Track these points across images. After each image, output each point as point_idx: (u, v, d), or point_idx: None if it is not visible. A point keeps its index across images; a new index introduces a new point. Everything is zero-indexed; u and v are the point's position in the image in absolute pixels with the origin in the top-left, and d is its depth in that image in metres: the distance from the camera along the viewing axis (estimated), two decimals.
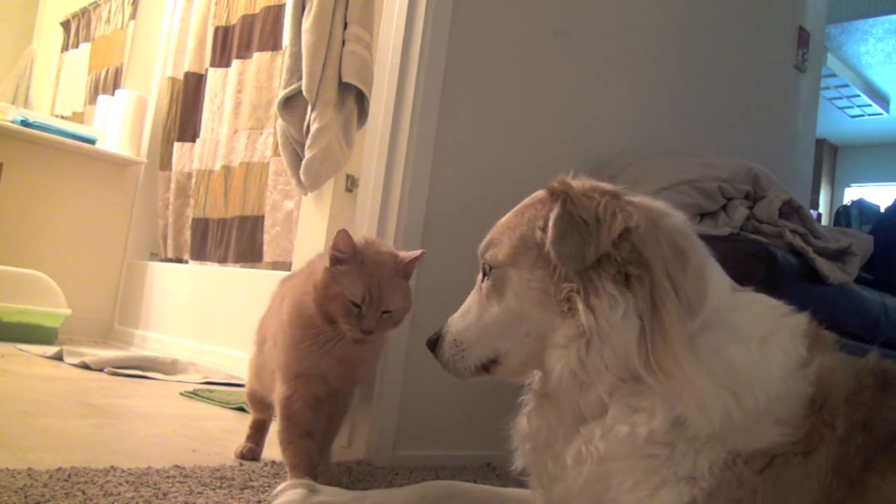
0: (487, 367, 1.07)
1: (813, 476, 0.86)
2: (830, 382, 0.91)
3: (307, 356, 1.35)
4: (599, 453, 0.92)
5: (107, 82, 4.53)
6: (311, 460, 1.34)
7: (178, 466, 1.37)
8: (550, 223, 0.97)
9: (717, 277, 1.00)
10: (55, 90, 5.09)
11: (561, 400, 0.98)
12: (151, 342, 3.73)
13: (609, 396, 0.93)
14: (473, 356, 1.07)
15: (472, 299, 1.11)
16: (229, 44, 3.78)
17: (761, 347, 0.92)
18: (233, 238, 3.54)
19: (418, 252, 1.38)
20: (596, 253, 0.93)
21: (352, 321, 1.28)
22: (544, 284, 0.98)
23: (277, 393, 1.39)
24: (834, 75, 6.81)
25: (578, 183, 1.02)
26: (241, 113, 3.61)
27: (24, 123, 3.80)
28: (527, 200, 1.09)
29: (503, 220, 1.10)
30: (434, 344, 1.12)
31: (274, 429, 1.46)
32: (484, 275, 1.08)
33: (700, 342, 0.92)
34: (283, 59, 3.08)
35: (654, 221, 0.97)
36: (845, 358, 0.98)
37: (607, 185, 1.02)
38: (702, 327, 0.93)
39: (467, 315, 1.09)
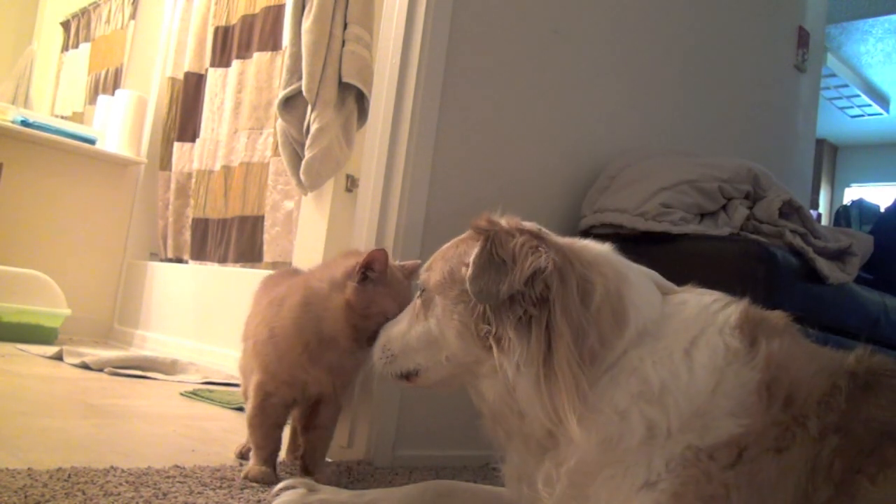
0: (408, 376, 1.16)
1: (789, 476, 0.86)
2: (783, 367, 0.91)
3: (300, 367, 1.35)
4: (566, 479, 0.95)
5: (107, 82, 4.53)
6: (277, 446, 1.41)
7: (178, 466, 1.37)
8: (470, 260, 1.01)
9: (642, 294, 1.01)
10: (55, 90, 5.09)
11: (510, 428, 1.03)
12: (151, 342, 3.73)
13: (546, 430, 0.96)
14: (396, 364, 1.16)
15: (407, 311, 1.19)
16: (229, 44, 3.78)
17: (687, 351, 0.94)
18: (233, 238, 3.54)
19: (417, 262, 1.42)
20: (509, 290, 0.96)
21: None
22: (465, 318, 1.04)
23: (255, 382, 1.40)
24: (834, 75, 6.81)
25: (504, 221, 1.07)
26: (241, 113, 3.61)
27: (24, 123, 3.80)
28: (464, 234, 1.13)
29: (444, 247, 1.16)
30: (373, 339, 1.22)
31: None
32: (421, 294, 1.15)
33: (623, 363, 0.95)
34: (283, 59, 3.08)
35: (569, 259, 1.00)
36: (808, 345, 0.99)
37: (530, 225, 1.07)
38: (629, 346, 0.96)
39: (400, 323, 1.17)
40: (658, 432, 0.90)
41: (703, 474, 0.87)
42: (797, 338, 0.99)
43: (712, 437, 0.88)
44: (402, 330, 1.16)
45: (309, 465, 1.45)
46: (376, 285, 1.33)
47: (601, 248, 1.08)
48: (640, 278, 1.05)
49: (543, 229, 1.08)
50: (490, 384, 1.02)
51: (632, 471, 0.90)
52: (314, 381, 1.38)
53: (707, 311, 1.00)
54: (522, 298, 0.96)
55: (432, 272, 1.12)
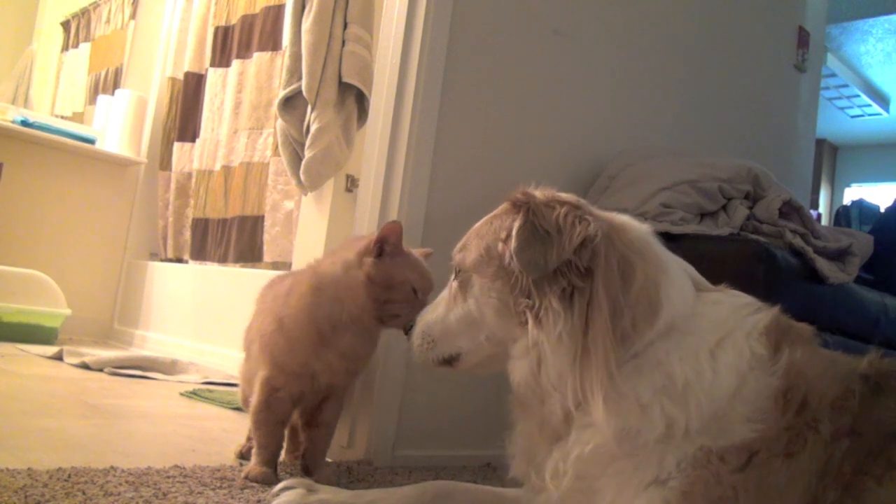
0: (450, 361, 1.14)
1: (798, 480, 0.86)
2: (802, 375, 0.91)
3: (310, 354, 1.36)
4: (572, 471, 0.95)
5: (107, 82, 4.53)
6: (279, 445, 1.42)
7: (178, 466, 1.37)
8: (513, 233, 1.00)
9: (677, 288, 1.00)
10: (55, 90, 5.08)
11: (530, 411, 1.02)
12: (151, 342, 3.73)
13: (566, 413, 0.96)
14: (438, 350, 1.14)
15: (442, 296, 1.17)
16: (229, 44, 3.78)
17: (713, 351, 0.94)
18: (233, 238, 3.54)
19: (429, 250, 1.47)
20: (557, 260, 0.96)
21: (414, 305, 1.32)
22: (503, 295, 1.03)
23: (261, 378, 1.40)
24: (834, 75, 6.81)
25: (540, 193, 1.06)
26: (241, 113, 3.60)
27: (25, 123, 3.80)
28: (497, 210, 1.12)
29: (476, 225, 1.14)
30: (409, 329, 1.20)
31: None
32: (456, 276, 1.13)
33: (649, 354, 0.94)
34: (283, 59, 3.08)
35: (610, 235, 0.99)
36: (827, 354, 0.99)
37: (569, 196, 1.05)
38: (657, 338, 0.95)
39: (436, 309, 1.16)
40: (676, 431, 0.89)
41: (712, 476, 0.87)
42: (817, 347, 0.99)
43: (726, 441, 0.88)
44: (441, 314, 1.14)
45: (310, 464, 1.45)
46: (394, 258, 1.35)
47: (642, 230, 1.06)
48: (678, 272, 1.04)
49: (582, 200, 1.06)
50: (517, 365, 1.01)
51: (643, 467, 0.90)
52: (326, 369, 1.37)
53: (738, 314, 0.99)
54: (568, 269, 0.95)
55: (467, 252, 1.10)
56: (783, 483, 0.86)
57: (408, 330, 1.21)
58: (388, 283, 1.33)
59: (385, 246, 1.35)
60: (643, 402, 0.91)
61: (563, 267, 0.96)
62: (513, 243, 0.99)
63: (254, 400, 1.41)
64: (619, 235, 1.01)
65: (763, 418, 0.89)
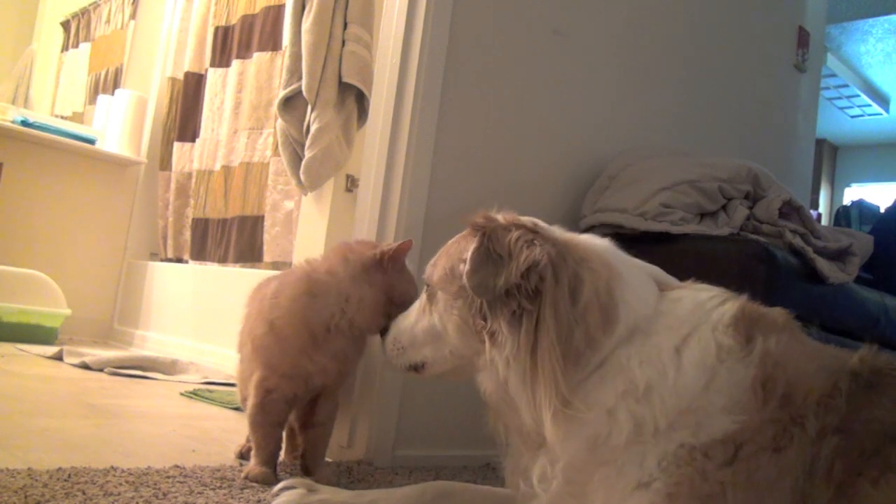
0: (416, 368, 1.20)
1: (786, 476, 0.85)
2: (781, 365, 0.91)
3: (304, 356, 1.36)
4: (562, 476, 0.96)
5: (107, 82, 4.53)
6: (277, 446, 1.43)
7: (178, 466, 1.37)
8: (468, 256, 1.03)
9: (633, 291, 1.01)
10: (55, 90, 5.08)
11: (506, 419, 1.05)
12: (151, 342, 3.73)
13: (538, 424, 0.96)
14: (406, 356, 1.21)
15: (416, 305, 1.22)
16: (229, 44, 3.78)
17: (678, 348, 0.94)
18: (233, 238, 3.54)
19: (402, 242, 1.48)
20: (505, 284, 0.97)
21: None
22: (464, 314, 1.06)
23: (255, 380, 1.40)
24: (834, 75, 6.81)
25: (501, 217, 1.08)
26: (241, 113, 3.60)
27: (24, 123, 3.80)
28: (465, 231, 1.14)
29: (448, 243, 1.17)
30: (384, 334, 1.27)
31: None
32: (426, 288, 1.18)
33: (612, 361, 0.95)
34: (283, 59, 3.08)
35: (564, 255, 1.00)
36: (810, 344, 0.98)
37: (527, 220, 1.07)
38: (619, 344, 0.96)
39: (408, 317, 1.22)
40: (646, 429, 0.90)
41: (697, 473, 0.86)
42: (797, 335, 0.98)
43: (706, 435, 0.88)
44: (411, 323, 1.20)
45: (309, 464, 1.45)
46: (402, 273, 1.41)
47: (598, 243, 1.07)
48: (635, 274, 1.04)
49: (540, 223, 1.08)
50: (487, 377, 1.04)
51: (625, 471, 0.90)
52: (319, 371, 1.38)
53: (702, 308, 0.99)
54: (517, 292, 0.97)
55: (436, 268, 1.14)
56: (772, 478, 0.85)
57: (383, 334, 1.27)
58: (402, 299, 1.36)
59: (397, 262, 1.40)
60: (608, 407, 0.92)
61: (512, 290, 0.97)
62: (466, 265, 1.02)
63: (249, 402, 1.42)
64: (571, 254, 1.01)
65: (742, 409, 0.88)
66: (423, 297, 1.18)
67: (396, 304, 1.35)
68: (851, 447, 0.85)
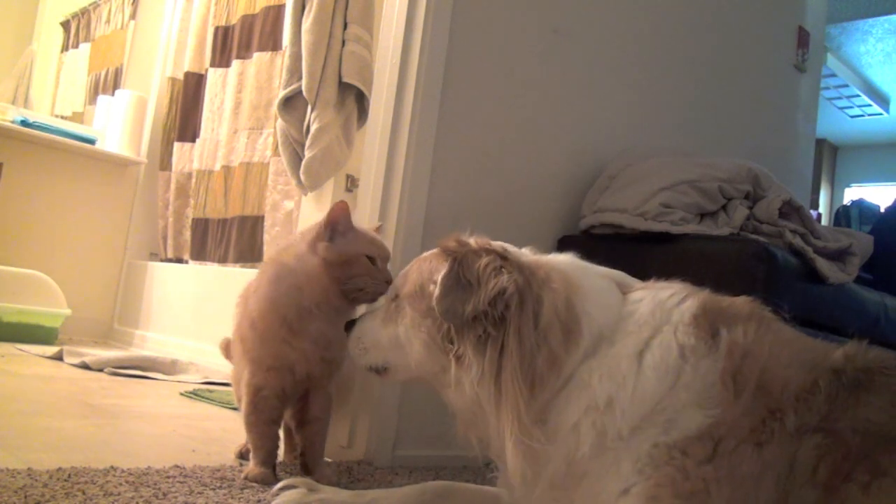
0: (378, 371, 1.20)
1: (769, 471, 0.84)
2: (751, 356, 0.90)
3: (282, 344, 1.36)
4: (546, 482, 0.96)
5: (107, 82, 4.53)
6: (274, 445, 1.42)
7: (178, 466, 1.37)
8: (438, 280, 1.04)
9: (593, 300, 1.01)
10: (55, 90, 5.08)
11: (478, 430, 1.05)
12: (151, 342, 3.73)
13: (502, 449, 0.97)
14: (369, 357, 1.20)
15: (381, 306, 1.21)
16: (229, 44, 3.78)
17: (640, 353, 0.94)
18: (233, 238, 3.54)
19: (379, 223, 1.49)
20: (473, 311, 0.98)
21: (375, 275, 1.35)
22: (432, 332, 1.06)
23: (245, 380, 1.41)
24: (834, 75, 6.81)
25: (473, 241, 1.08)
26: (241, 113, 3.60)
27: (24, 123, 3.80)
28: (435, 250, 1.15)
29: (421, 257, 1.18)
30: (349, 328, 1.25)
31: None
32: (393, 296, 1.17)
33: (576, 378, 0.96)
34: (283, 59, 3.08)
35: (529, 280, 1.00)
36: (784, 333, 0.96)
37: (497, 245, 1.08)
38: (584, 357, 0.96)
39: (374, 319, 1.20)
40: (609, 436, 0.90)
41: (678, 472, 0.85)
42: (767, 323, 0.96)
43: (680, 431, 0.87)
44: (376, 326, 1.19)
45: (309, 462, 1.44)
46: (345, 235, 1.37)
47: (560, 260, 1.08)
48: (596, 284, 1.04)
49: (510, 248, 1.09)
50: (454, 394, 1.04)
51: (605, 481, 0.90)
52: (301, 359, 1.37)
53: (662, 308, 0.98)
54: (485, 318, 0.97)
55: (406, 282, 1.14)
56: (756, 473, 0.84)
57: (348, 328, 1.25)
58: (344, 260, 1.35)
59: (336, 227, 1.37)
60: (572, 423, 0.93)
61: (480, 316, 0.98)
62: (437, 290, 1.03)
63: (242, 403, 1.43)
64: (535, 278, 1.01)
65: (714, 402, 0.88)
66: (391, 304, 1.17)
67: (356, 266, 1.34)
68: (836, 448, 0.83)
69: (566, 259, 1.08)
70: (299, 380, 1.40)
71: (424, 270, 1.11)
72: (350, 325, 1.26)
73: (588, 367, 0.96)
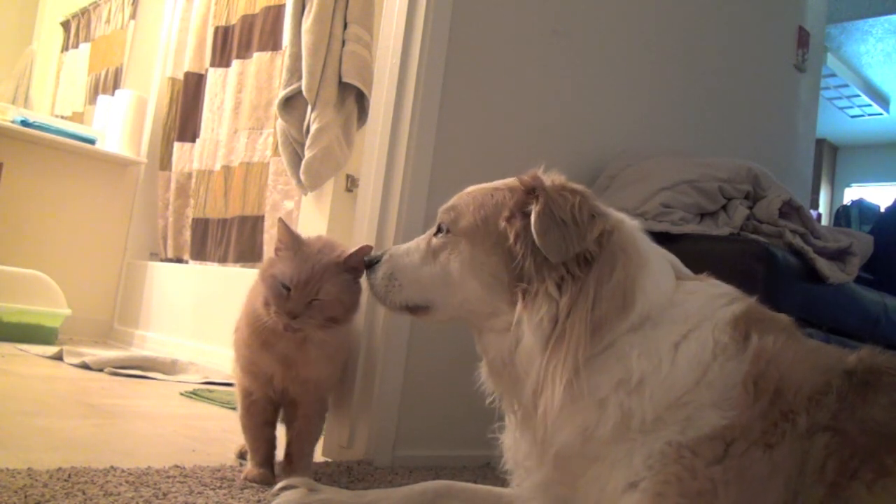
0: (415, 310, 1.14)
1: (779, 473, 0.84)
2: (774, 362, 0.91)
3: (256, 354, 1.37)
4: (552, 464, 0.97)
5: (107, 82, 4.53)
6: (270, 446, 1.42)
7: (178, 466, 1.37)
8: (533, 217, 1.00)
9: (653, 280, 1.01)
10: (55, 90, 5.08)
11: (503, 385, 1.04)
12: (151, 342, 3.73)
13: (537, 396, 0.97)
14: (404, 295, 1.13)
15: (418, 244, 1.15)
16: (229, 44, 3.78)
17: (677, 344, 0.94)
18: (233, 238, 3.54)
19: (361, 245, 1.38)
20: (578, 248, 0.97)
21: (280, 304, 1.28)
22: (498, 271, 1.03)
23: (238, 385, 1.43)
24: (834, 75, 6.81)
25: (549, 179, 1.06)
26: (241, 113, 3.61)
27: (24, 123, 3.80)
28: (498, 183, 1.11)
29: (472, 189, 1.13)
30: (372, 264, 1.18)
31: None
32: (438, 232, 1.12)
33: (616, 347, 0.95)
34: (283, 59, 3.08)
35: (616, 230, 1.02)
36: (809, 343, 0.98)
37: (577, 186, 1.06)
38: (627, 331, 0.96)
39: (410, 256, 1.14)
40: (633, 422, 0.90)
41: (686, 471, 0.86)
42: (796, 336, 0.98)
43: (695, 431, 0.88)
44: (414, 264, 1.13)
45: (293, 458, 1.42)
46: (283, 252, 1.34)
47: (632, 227, 1.08)
48: (659, 263, 1.05)
49: (588, 191, 1.07)
50: (496, 340, 1.03)
51: (615, 471, 0.90)
52: (275, 372, 1.36)
53: (711, 304, 0.99)
54: (576, 258, 0.97)
55: (462, 216, 1.09)
56: (765, 474, 0.84)
57: (370, 265, 1.18)
58: (262, 276, 1.32)
59: (279, 244, 1.36)
60: (600, 397, 0.93)
61: (582, 253, 0.98)
62: (535, 226, 0.99)
63: (238, 412, 1.44)
64: (619, 227, 1.03)
65: (732, 404, 0.88)
66: (433, 240, 1.12)
67: (268, 287, 1.29)
68: (843, 446, 0.84)
69: (636, 226, 1.09)
70: (280, 391, 1.40)
71: (489, 203, 1.07)
72: (372, 263, 1.18)
73: (629, 340, 0.96)
